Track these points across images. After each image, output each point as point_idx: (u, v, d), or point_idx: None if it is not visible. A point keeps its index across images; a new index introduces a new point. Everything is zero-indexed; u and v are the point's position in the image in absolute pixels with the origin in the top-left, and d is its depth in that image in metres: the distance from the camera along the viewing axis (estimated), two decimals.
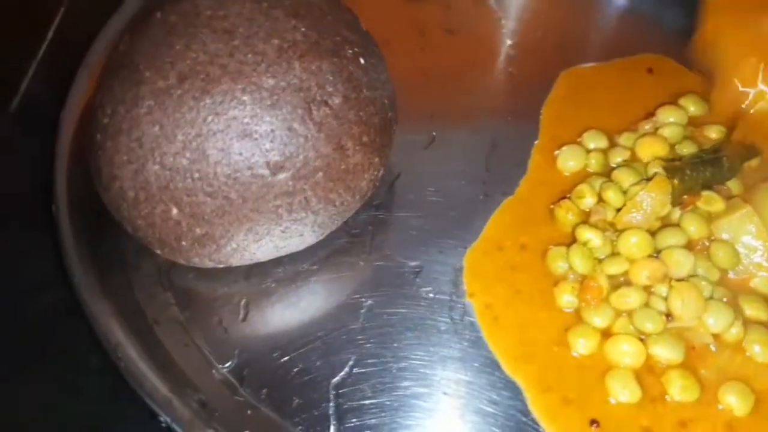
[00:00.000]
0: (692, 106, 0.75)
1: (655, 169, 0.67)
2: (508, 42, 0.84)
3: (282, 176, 0.55)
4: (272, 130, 0.54)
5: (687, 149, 0.70)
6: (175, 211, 0.55)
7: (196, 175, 0.54)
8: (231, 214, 0.56)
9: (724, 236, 0.64)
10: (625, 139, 0.72)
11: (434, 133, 0.77)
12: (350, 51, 0.60)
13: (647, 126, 0.73)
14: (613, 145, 0.73)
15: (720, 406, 0.58)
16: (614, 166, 0.71)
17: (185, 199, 0.55)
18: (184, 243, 0.58)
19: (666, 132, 0.71)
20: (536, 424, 0.58)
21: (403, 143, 0.74)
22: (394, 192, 0.73)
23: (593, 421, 0.57)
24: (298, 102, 0.55)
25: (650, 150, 0.70)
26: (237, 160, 0.54)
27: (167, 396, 0.54)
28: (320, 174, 0.57)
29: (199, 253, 0.59)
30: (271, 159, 0.55)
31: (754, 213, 0.63)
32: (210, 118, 0.53)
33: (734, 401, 0.57)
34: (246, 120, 0.54)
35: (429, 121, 0.78)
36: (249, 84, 0.54)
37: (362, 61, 0.61)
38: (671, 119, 0.73)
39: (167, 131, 0.53)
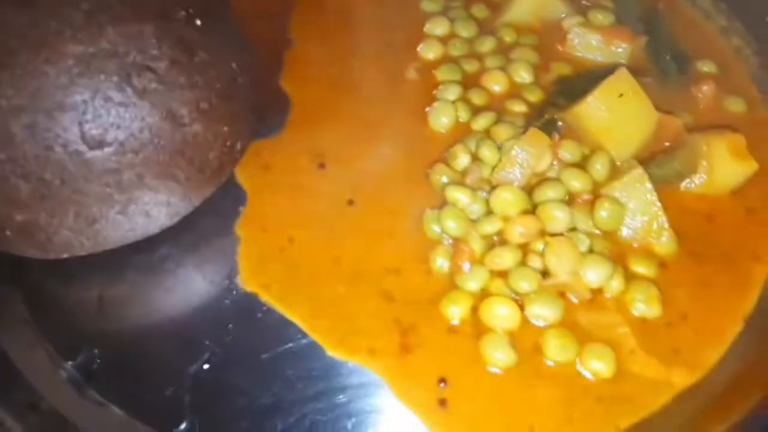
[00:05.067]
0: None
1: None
2: None
3: (102, 152, 0.51)
4: (84, 101, 0.50)
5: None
6: None
7: (3, 157, 0.49)
8: (51, 198, 0.51)
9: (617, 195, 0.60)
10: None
11: None
12: (182, 12, 0.56)
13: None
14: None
15: (583, 370, 0.54)
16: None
17: None
18: (8, 233, 0.53)
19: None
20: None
21: None
22: None
23: (441, 380, 0.54)
24: (113, 68, 0.50)
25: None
26: (46, 137, 0.49)
27: None
28: (150, 147, 0.52)
29: (30, 243, 0.54)
30: (86, 132, 0.50)
31: (645, 175, 0.60)
32: (10, 93, 0.48)
33: (598, 366, 0.54)
34: (51, 91, 0.49)
35: None
36: (52, 53, 0.49)
37: (198, 22, 0.56)
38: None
39: None
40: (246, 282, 0.60)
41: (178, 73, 0.53)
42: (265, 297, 0.60)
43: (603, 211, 0.59)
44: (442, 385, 0.54)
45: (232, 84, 0.58)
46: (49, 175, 0.50)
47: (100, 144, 0.50)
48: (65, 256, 0.57)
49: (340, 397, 0.55)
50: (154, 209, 0.56)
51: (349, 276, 0.60)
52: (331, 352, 0.57)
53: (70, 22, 0.50)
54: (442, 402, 0.54)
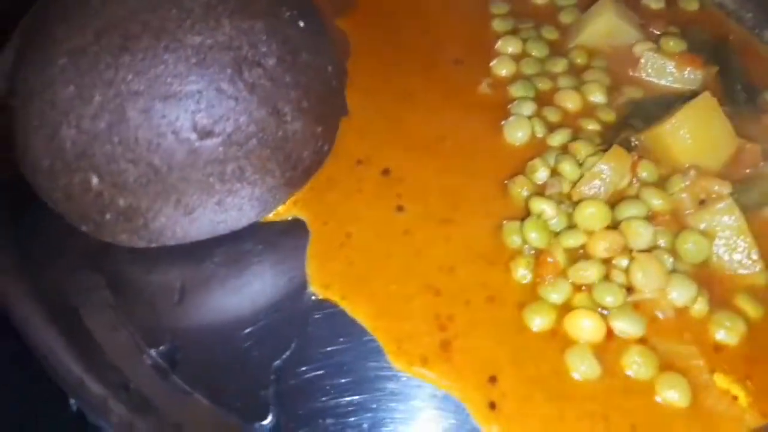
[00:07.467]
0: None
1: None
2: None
3: (211, 141, 0.52)
4: (198, 91, 0.51)
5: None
6: (95, 180, 0.51)
7: (116, 140, 0.50)
8: (156, 183, 0.52)
9: (702, 226, 0.60)
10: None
11: None
12: (288, 13, 0.57)
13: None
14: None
15: (658, 398, 0.54)
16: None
17: (105, 167, 0.51)
18: (108, 216, 0.54)
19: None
20: None
21: None
22: None
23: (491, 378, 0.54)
24: (228, 61, 0.51)
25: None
26: (160, 123, 0.50)
27: (78, 376, 0.49)
28: (254, 140, 0.53)
29: (125, 228, 0.55)
30: (197, 122, 0.51)
31: (734, 206, 0.60)
32: (129, 77, 0.49)
33: (673, 395, 0.54)
34: (169, 79, 0.50)
35: None
36: (172, 41, 0.50)
37: (301, 24, 0.58)
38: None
39: (83, 92, 0.49)
40: (312, 282, 0.61)
41: (284, 71, 0.54)
42: (329, 296, 0.60)
43: (689, 244, 0.59)
44: (491, 383, 0.54)
45: (328, 87, 0.59)
46: (158, 161, 0.51)
47: (209, 134, 0.51)
48: (153, 245, 0.58)
49: (421, 392, 0.55)
50: (247, 204, 0.57)
51: (401, 274, 0.60)
52: (394, 362, 0.57)
53: (190, 12, 0.51)
54: (492, 405, 0.54)
